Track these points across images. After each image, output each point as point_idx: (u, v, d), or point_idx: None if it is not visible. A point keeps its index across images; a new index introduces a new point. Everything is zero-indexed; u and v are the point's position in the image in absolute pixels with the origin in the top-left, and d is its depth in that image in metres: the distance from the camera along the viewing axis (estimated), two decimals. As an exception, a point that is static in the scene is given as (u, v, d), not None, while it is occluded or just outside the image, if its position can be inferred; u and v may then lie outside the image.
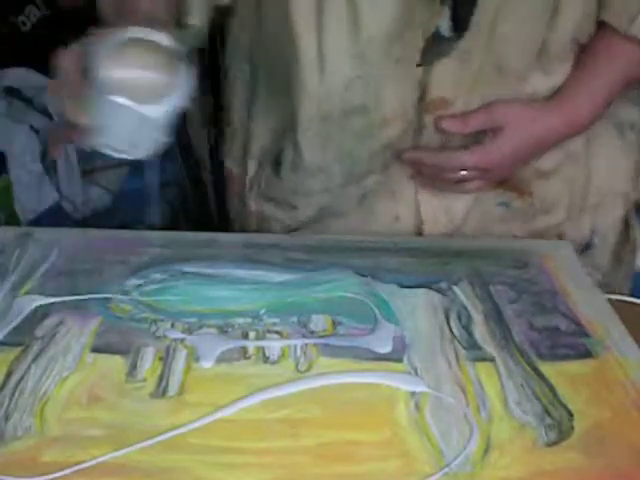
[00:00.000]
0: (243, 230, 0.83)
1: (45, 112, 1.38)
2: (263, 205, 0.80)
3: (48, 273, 0.62)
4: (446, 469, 0.43)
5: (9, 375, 0.49)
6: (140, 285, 0.61)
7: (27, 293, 0.59)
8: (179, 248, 0.67)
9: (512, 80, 0.67)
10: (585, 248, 0.77)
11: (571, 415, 0.47)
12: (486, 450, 0.44)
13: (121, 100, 0.51)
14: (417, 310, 0.58)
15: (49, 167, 1.40)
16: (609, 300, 0.61)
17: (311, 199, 0.76)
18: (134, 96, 0.51)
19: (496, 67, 0.65)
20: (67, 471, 0.42)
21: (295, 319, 0.56)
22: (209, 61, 1.14)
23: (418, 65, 0.64)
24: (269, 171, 0.77)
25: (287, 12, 0.64)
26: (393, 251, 0.67)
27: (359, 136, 0.69)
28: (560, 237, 0.76)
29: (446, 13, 0.62)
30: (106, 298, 0.59)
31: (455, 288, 0.61)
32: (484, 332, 0.55)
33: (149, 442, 0.44)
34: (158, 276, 0.62)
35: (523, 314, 0.58)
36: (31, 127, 1.36)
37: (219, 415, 0.46)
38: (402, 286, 0.61)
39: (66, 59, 0.54)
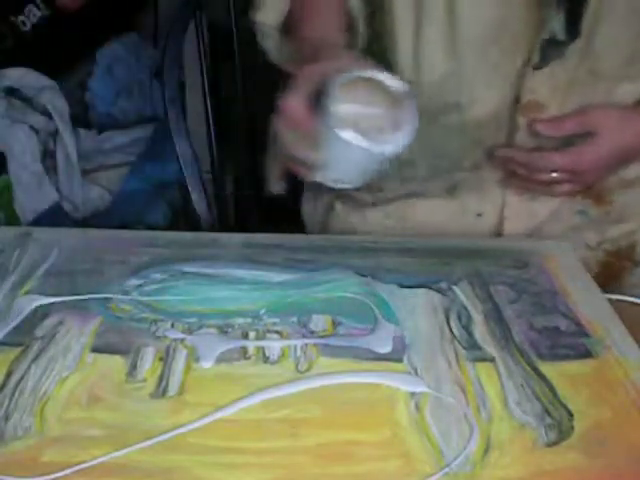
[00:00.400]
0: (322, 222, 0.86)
1: (45, 112, 1.38)
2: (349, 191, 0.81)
3: (48, 273, 0.62)
4: (446, 469, 0.43)
5: (9, 375, 0.49)
6: (140, 285, 0.61)
7: (27, 293, 0.59)
8: (179, 248, 0.67)
9: (605, 85, 0.67)
10: None
11: (571, 415, 0.47)
12: (486, 450, 0.44)
13: (351, 136, 0.52)
14: (417, 310, 0.58)
15: (49, 167, 1.40)
16: (609, 300, 0.61)
17: (397, 186, 0.77)
18: (364, 132, 0.53)
19: (591, 72, 0.66)
20: (67, 471, 0.42)
21: (295, 319, 0.56)
22: (209, 61, 1.14)
23: (535, 68, 0.66)
24: None
25: (388, 5, 0.65)
26: (393, 251, 0.67)
27: (450, 133, 0.70)
28: (633, 246, 0.76)
29: (560, 17, 0.63)
30: (106, 298, 0.59)
31: (455, 288, 0.61)
32: (484, 332, 0.55)
33: (149, 442, 0.44)
34: (158, 276, 0.62)
35: (523, 314, 0.58)
36: (31, 127, 1.36)
37: (219, 415, 0.46)
38: (402, 286, 0.61)
39: (294, 98, 0.55)
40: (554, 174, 0.69)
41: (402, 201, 0.79)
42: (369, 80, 0.55)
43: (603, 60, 0.66)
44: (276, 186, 0.63)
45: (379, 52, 0.68)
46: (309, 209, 0.91)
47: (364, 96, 0.55)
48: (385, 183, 0.78)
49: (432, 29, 0.65)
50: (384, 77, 0.55)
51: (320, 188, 0.83)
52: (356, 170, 0.58)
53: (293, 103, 0.55)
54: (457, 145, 0.71)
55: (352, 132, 0.52)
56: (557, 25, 0.64)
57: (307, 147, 0.56)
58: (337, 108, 0.53)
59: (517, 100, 0.68)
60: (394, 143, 0.53)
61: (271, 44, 0.73)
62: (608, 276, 0.76)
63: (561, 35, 0.64)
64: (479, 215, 0.75)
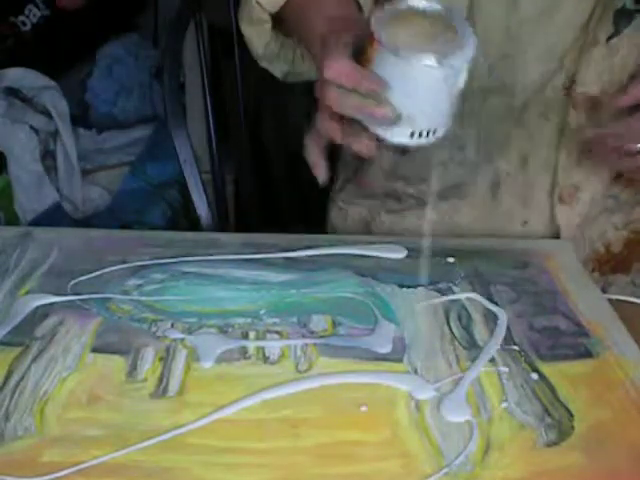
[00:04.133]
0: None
1: (45, 112, 1.38)
2: (394, 184, 0.80)
3: (48, 273, 0.62)
4: (446, 469, 0.43)
5: (9, 375, 0.49)
6: (140, 285, 0.61)
7: (27, 293, 0.59)
8: (179, 248, 0.67)
9: None
10: None
11: (571, 415, 0.47)
12: (486, 450, 0.44)
13: (432, 61, 0.48)
14: (417, 310, 0.58)
15: (49, 167, 1.40)
16: (609, 300, 0.61)
17: (442, 171, 0.75)
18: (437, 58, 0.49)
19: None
20: (67, 471, 0.42)
21: (295, 319, 0.56)
22: (209, 61, 1.14)
23: (609, 38, 0.65)
24: (390, 153, 0.78)
25: None
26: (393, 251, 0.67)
27: (498, 115, 0.70)
28: None
29: None
30: (106, 298, 0.59)
31: (455, 288, 0.61)
32: (484, 332, 0.55)
33: (149, 442, 0.44)
34: (158, 276, 0.62)
35: (523, 314, 0.58)
36: (31, 127, 1.36)
37: (219, 415, 0.46)
38: (402, 286, 0.61)
39: (338, 59, 0.50)
40: None
41: (445, 202, 0.77)
42: (412, 12, 0.51)
43: None
44: (322, 175, 0.58)
45: None
46: (339, 220, 0.88)
47: (414, 27, 0.51)
48: (428, 171, 0.75)
49: (490, 7, 0.64)
50: (425, 5, 0.51)
51: (356, 194, 0.82)
52: (435, 107, 0.52)
53: (340, 63, 0.50)
54: (504, 129, 0.71)
55: (431, 56, 0.48)
56: None
57: (373, 104, 0.50)
58: (399, 39, 0.49)
59: (569, 90, 0.68)
60: (464, 57, 0.50)
61: (258, 38, 0.70)
62: (633, 256, 0.76)
63: (631, 5, 0.64)
64: (525, 223, 0.75)
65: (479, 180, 0.76)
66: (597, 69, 0.67)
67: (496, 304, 0.59)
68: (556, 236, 0.74)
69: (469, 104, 0.69)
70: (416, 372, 0.51)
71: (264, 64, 0.72)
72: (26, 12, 1.46)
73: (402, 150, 0.75)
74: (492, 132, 0.71)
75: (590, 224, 0.74)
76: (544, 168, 0.73)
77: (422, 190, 0.79)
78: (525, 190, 0.74)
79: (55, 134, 1.39)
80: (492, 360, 0.52)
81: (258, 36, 0.69)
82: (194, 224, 1.29)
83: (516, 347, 0.54)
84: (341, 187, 0.88)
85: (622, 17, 0.65)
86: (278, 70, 0.73)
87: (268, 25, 0.68)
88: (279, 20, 0.68)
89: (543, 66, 0.68)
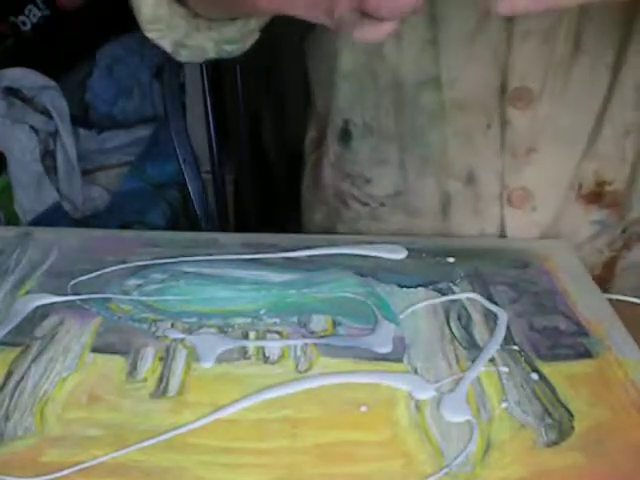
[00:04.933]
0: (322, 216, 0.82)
1: (45, 112, 1.38)
2: (340, 184, 0.78)
3: (48, 273, 0.62)
4: (446, 469, 0.43)
5: (9, 375, 0.49)
6: (140, 285, 0.61)
7: (27, 293, 0.59)
8: (179, 248, 0.67)
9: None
10: None
11: (571, 415, 0.47)
12: (486, 450, 0.44)
13: None
14: (417, 310, 0.58)
15: (49, 167, 1.40)
16: (609, 300, 0.61)
17: (386, 171, 0.74)
18: None
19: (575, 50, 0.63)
20: (67, 471, 0.42)
21: (295, 319, 0.56)
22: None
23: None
24: (337, 145, 0.76)
25: None
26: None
27: (431, 115, 0.67)
28: (633, 232, 0.74)
29: None
30: (106, 298, 0.59)
31: (455, 288, 0.61)
32: (484, 332, 0.55)
33: (149, 442, 0.44)
34: (158, 276, 0.62)
35: (523, 314, 0.58)
36: (31, 127, 1.36)
37: (219, 415, 0.46)
38: (402, 286, 0.61)
39: None
40: None
41: (395, 209, 0.75)
42: None
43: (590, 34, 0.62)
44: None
45: None
46: (305, 221, 0.88)
47: None
48: (371, 169, 0.74)
49: None
50: None
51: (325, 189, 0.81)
52: None
53: None
54: (440, 133, 0.68)
55: None
56: None
57: None
58: None
59: (504, 88, 0.65)
60: None
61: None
62: (610, 274, 0.75)
63: None
64: (481, 233, 0.73)
65: (428, 204, 0.73)
66: (530, 64, 0.64)
67: (496, 304, 0.59)
68: None
69: (402, 98, 0.66)
70: (416, 372, 0.51)
71: (153, 34, 0.64)
72: (26, 12, 1.46)
73: (345, 140, 0.74)
74: (428, 134, 0.69)
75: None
76: (491, 174, 0.71)
77: (367, 193, 0.77)
78: (475, 201, 0.72)
79: (55, 134, 1.39)
80: (492, 360, 0.52)
81: None
82: (194, 224, 1.29)
83: (516, 347, 0.54)
84: (303, 192, 0.88)
85: None
86: (169, 40, 0.65)
87: None
88: None
89: (471, 59, 0.64)
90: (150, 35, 0.65)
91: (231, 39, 0.64)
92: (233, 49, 0.65)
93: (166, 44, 0.66)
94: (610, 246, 0.75)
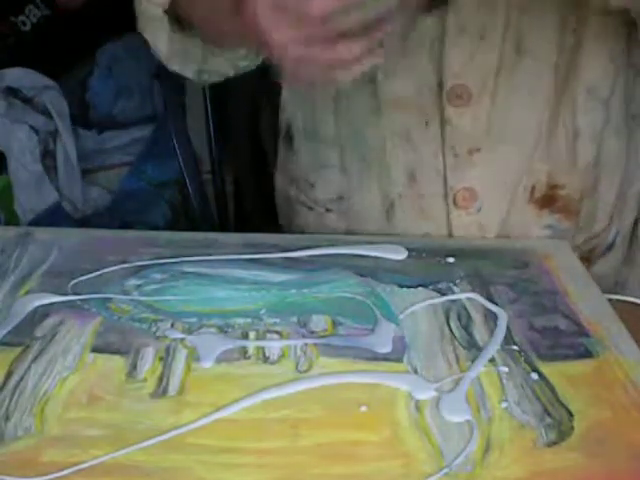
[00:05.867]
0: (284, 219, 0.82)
1: (45, 112, 1.38)
2: (288, 188, 0.79)
3: (48, 273, 0.62)
4: (446, 469, 0.43)
5: (9, 375, 0.50)
6: (140, 285, 0.61)
7: (27, 293, 0.59)
8: (179, 248, 0.67)
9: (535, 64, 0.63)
10: (607, 249, 0.75)
11: (571, 415, 0.47)
12: (486, 450, 0.44)
13: None
14: (417, 310, 0.58)
15: (49, 167, 1.40)
16: (609, 300, 0.61)
17: (328, 175, 0.73)
18: None
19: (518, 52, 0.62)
20: (67, 471, 0.42)
21: (295, 319, 0.56)
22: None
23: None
24: (282, 150, 0.76)
25: None
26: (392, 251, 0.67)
27: (368, 115, 0.67)
28: (596, 246, 0.74)
29: None
30: (106, 298, 0.59)
31: (455, 288, 0.61)
32: (484, 332, 0.55)
33: (149, 442, 0.44)
34: (158, 276, 0.62)
35: (523, 314, 0.58)
36: (31, 127, 1.36)
37: (219, 415, 0.46)
38: (402, 286, 0.61)
39: None
40: None
41: (339, 215, 0.75)
42: None
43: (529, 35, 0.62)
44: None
45: None
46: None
47: None
48: (314, 175, 0.74)
49: None
50: None
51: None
52: None
53: None
54: (379, 133, 0.67)
55: None
56: None
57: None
58: None
59: (441, 85, 0.64)
60: None
61: (158, 38, 0.63)
62: None
63: None
64: (425, 235, 0.72)
65: (372, 206, 0.73)
66: (465, 64, 0.63)
67: (496, 304, 0.59)
68: None
69: (340, 99, 0.66)
70: (416, 372, 0.51)
71: (175, 67, 0.66)
72: (26, 12, 1.46)
73: (289, 145, 0.74)
74: (367, 135, 0.68)
75: None
76: (433, 174, 0.70)
77: (312, 198, 0.77)
78: (420, 202, 0.71)
79: (55, 134, 1.39)
80: (492, 360, 0.52)
81: (158, 36, 0.64)
82: (194, 224, 1.29)
83: (516, 347, 0.54)
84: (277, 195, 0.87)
85: None
86: (189, 70, 0.67)
87: (165, 22, 0.63)
88: (179, 20, 0.63)
89: (406, 57, 0.64)
90: (172, 68, 0.66)
91: (244, 56, 0.65)
92: (248, 64, 0.67)
93: (189, 73, 0.68)
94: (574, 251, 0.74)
